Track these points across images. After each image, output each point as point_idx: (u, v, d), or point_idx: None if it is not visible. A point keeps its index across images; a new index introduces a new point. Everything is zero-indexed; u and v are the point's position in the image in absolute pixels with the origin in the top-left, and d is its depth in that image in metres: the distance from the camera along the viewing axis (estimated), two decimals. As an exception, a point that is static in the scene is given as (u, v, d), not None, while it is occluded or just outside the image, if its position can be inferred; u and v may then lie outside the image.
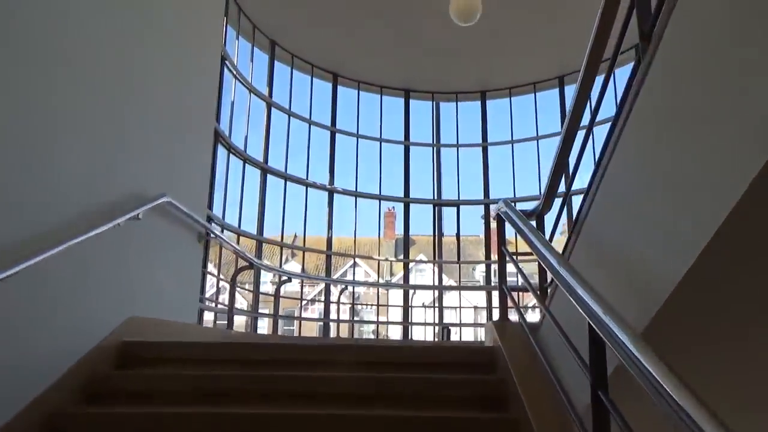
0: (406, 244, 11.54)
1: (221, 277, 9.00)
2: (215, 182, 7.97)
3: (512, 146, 11.54)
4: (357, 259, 42.71)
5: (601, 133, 9.21)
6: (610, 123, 2.49)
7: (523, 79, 11.53)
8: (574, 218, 3.06)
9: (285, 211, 10.17)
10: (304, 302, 40.75)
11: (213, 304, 9.28)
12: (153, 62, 4.57)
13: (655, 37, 1.96)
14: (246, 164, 9.25)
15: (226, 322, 7.28)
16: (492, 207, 11.32)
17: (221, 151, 8.47)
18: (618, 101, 2.48)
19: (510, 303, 3.86)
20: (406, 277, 11.47)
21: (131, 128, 4.14)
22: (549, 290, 3.45)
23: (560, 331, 2.40)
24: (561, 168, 3.93)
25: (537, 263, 2.98)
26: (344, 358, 3.52)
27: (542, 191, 4.08)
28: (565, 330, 2.38)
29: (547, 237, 3.51)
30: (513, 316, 3.88)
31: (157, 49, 4.65)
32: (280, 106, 10.32)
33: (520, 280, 3.87)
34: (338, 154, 11.17)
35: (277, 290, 8.72)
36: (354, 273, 32.14)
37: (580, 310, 1.84)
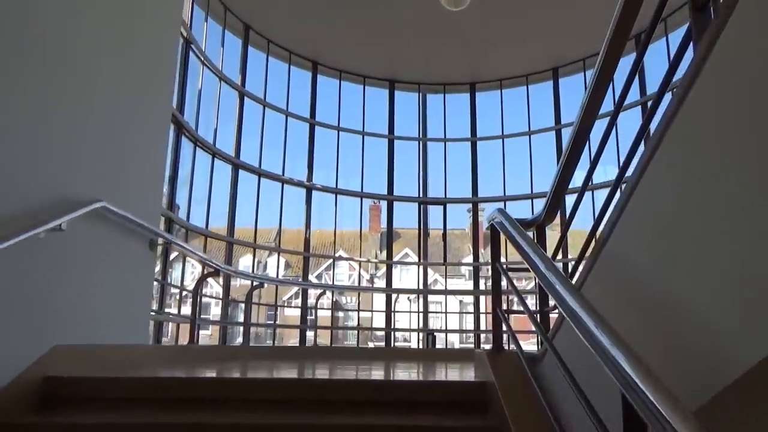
0: (389, 243, 10.86)
1: (183, 287, 8.21)
2: (178, 179, 7.21)
3: (503, 141, 10.90)
4: (341, 252, 41.92)
5: (624, 126, 8.49)
6: (638, 118, 1.80)
7: (515, 71, 10.87)
8: (589, 231, 2.48)
9: (259, 209, 9.42)
10: (286, 298, 39.90)
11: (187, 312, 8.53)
12: (89, 33, 3.80)
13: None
14: (215, 159, 8.48)
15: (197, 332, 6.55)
16: (484, 215, 10.70)
17: (186, 145, 7.70)
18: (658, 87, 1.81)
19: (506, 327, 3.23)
20: (389, 280, 10.80)
21: (57, 115, 3.37)
22: (555, 320, 2.83)
23: (570, 378, 1.79)
24: (569, 172, 3.21)
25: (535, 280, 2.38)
26: (319, 395, 2.84)
27: (547, 200, 3.39)
28: (575, 375, 1.77)
29: (550, 254, 2.91)
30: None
31: (94, 17, 3.88)
32: (254, 96, 9.54)
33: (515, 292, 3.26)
34: (318, 149, 10.44)
35: (249, 296, 7.99)
36: (333, 270, 31.46)
37: (606, 369, 1.31)
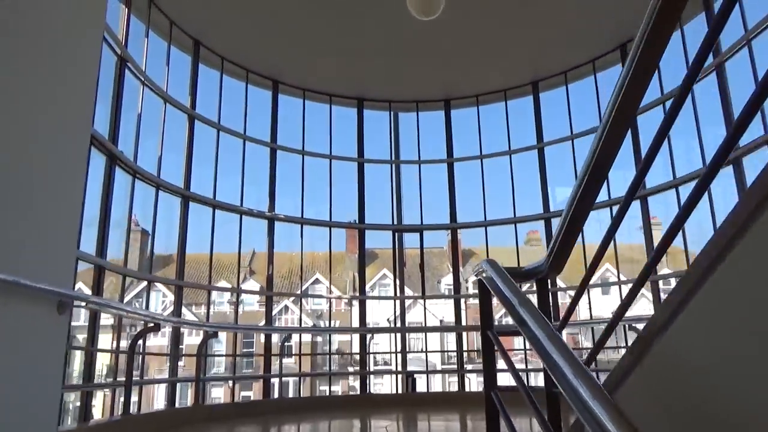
0: (362, 274, 9.91)
1: (117, 349, 7.09)
2: (110, 219, 6.19)
3: (481, 162, 10.10)
4: (318, 275, 40.63)
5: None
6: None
7: (492, 85, 10.12)
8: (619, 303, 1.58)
9: (213, 244, 8.42)
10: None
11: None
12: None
13: None
14: (160, 191, 7.47)
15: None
16: (467, 270, 9.81)
17: (122, 178, 6.70)
18: None
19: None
20: (362, 319, 9.81)
21: None
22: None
23: None
24: (585, 206, 2.30)
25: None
26: None
27: (552, 245, 2.52)
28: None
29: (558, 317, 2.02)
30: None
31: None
32: (207, 120, 8.58)
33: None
34: (280, 175, 9.50)
35: (200, 349, 6.97)
36: (298, 307, 30.43)
37: None
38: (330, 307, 11.27)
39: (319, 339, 39.32)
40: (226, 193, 8.64)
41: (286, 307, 35.96)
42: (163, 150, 7.61)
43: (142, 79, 7.20)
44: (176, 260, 7.82)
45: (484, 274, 2.48)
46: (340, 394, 9.39)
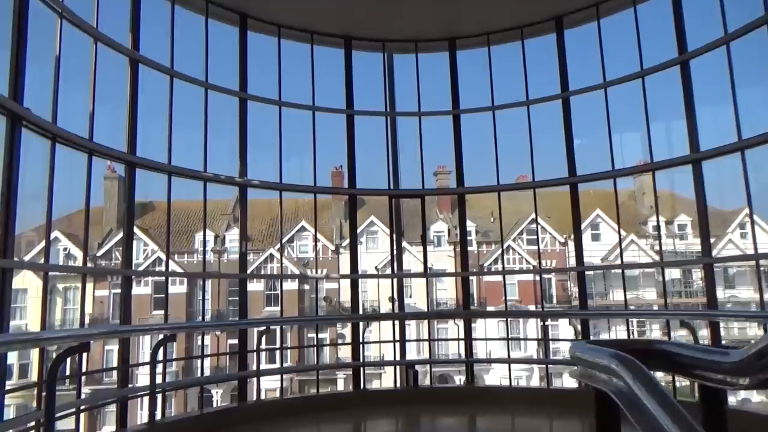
0: (353, 257, 8.41)
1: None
2: (17, 195, 4.63)
3: (493, 114, 8.49)
4: (304, 223, 39.19)
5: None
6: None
7: (505, 22, 8.41)
8: None
9: (171, 212, 6.88)
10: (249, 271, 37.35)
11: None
12: None
13: None
14: (93, 157, 5.83)
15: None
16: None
17: (38, 145, 5.07)
18: None
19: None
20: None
21: None
22: None
23: None
24: None
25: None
26: None
27: None
28: None
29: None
30: None
31: None
32: (156, 64, 6.82)
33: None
34: (253, 131, 7.85)
35: (153, 355, 5.54)
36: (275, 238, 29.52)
37: None
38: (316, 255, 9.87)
39: (306, 287, 38.33)
40: (185, 156, 7.02)
41: (271, 256, 34.66)
42: (96, 106, 5.91)
43: (59, 11, 5.42)
44: (124, 244, 6.29)
45: (611, 381, 1.17)
46: (330, 392, 8.05)
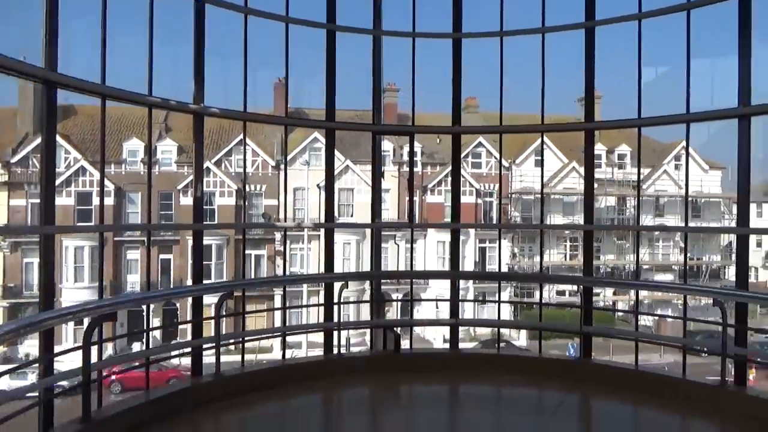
0: (329, 203, 7.09)
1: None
2: None
3: (501, 41, 7.16)
4: (246, 138, 36.81)
5: None
6: None
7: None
8: None
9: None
10: (181, 187, 35.14)
11: None
12: None
13: None
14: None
15: None
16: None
17: None
18: None
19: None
20: (329, 297, 7.08)
21: None
22: None
23: None
24: None
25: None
26: None
27: None
28: None
29: None
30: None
31: None
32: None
33: None
34: (212, 47, 6.19)
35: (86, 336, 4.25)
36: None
37: None
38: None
39: (241, 202, 36.52)
40: (124, 76, 5.36)
41: (208, 170, 32.41)
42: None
43: None
44: (41, 203, 4.74)
45: None
46: (299, 360, 6.97)
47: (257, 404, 5.51)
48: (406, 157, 36.00)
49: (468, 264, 37.01)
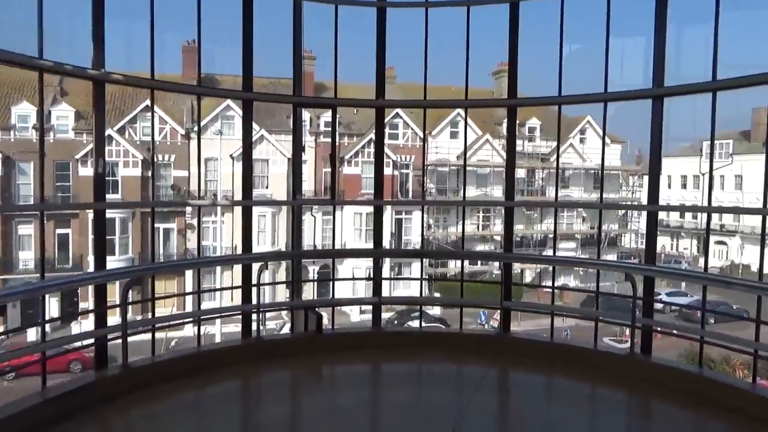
0: (247, 177, 6.69)
1: None
2: None
3: (426, 12, 6.96)
4: (150, 102, 34.40)
5: None
6: None
7: None
8: None
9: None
10: (80, 156, 32.91)
11: None
12: None
13: None
14: None
15: None
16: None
17: None
18: None
19: None
20: (247, 278, 6.70)
21: None
22: None
23: None
24: None
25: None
26: None
27: None
28: None
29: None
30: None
31: None
32: None
33: None
34: (113, 8, 5.55)
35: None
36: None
37: None
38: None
39: (149, 173, 34.51)
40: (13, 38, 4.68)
41: (110, 138, 30.22)
42: None
43: None
44: None
45: None
46: (213, 346, 6.56)
47: (170, 395, 5.15)
48: (323, 128, 35.45)
49: (384, 235, 37.40)
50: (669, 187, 53.10)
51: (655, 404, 5.31)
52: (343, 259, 33.97)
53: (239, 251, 34.25)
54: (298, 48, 6.80)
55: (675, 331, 6.42)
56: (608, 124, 7.24)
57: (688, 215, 52.05)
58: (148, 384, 5.16)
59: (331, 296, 7.22)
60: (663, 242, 52.00)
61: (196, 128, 33.55)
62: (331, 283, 6.98)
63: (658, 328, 6.50)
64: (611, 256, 40.42)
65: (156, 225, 33.18)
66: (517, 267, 38.53)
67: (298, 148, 7.14)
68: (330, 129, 37.06)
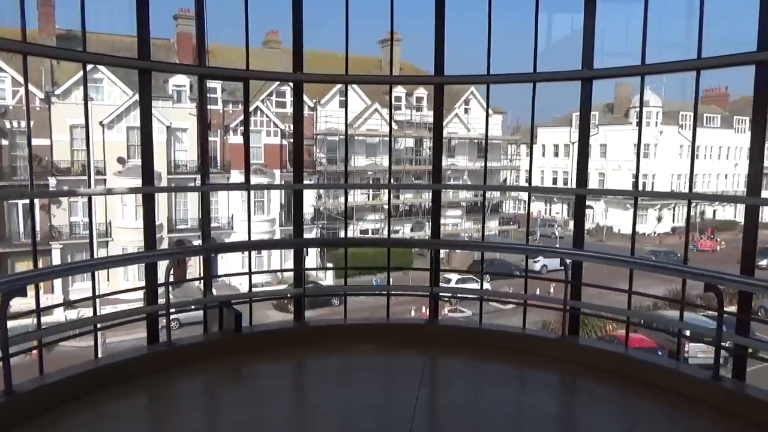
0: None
1: None
2: None
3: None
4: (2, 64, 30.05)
5: None
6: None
7: None
8: None
9: None
10: None
11: None
12: None
13: None
14: None
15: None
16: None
17: None
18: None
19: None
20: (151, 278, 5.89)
21: None
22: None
23: None
24: None
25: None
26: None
27: None
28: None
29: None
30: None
31: None
32: None
33: None
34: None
35: None
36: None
37: None
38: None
39: (5, 142, 30.47)
40: None
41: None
42: None
43: None
44: None
45: None
46: (119, 358, 5.64)
47: (64, 423, 4.32)
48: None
49: (274, 207, 36.23)
50: (543, 155, 56.54)
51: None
52: (231, 232, 32.47)
53: (115, 235, 31.41)
54: (201, 12, 5.92)
55: (603, 313, 6.57)
56: (491, 94, 7.25)
57: (560, 182, 55.97)
58: (39, 411, 4.29)
59: (248, 289, 6.57)
60: (538, 207, 55.63)
61: (56, 91, 30.04)
62: (248, 279, 6.27)
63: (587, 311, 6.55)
64: (494, 223, 42.40)
65: (13, 201, 29.65)
66: (406, 234, 39.20)
67: (204, 120, 6.29)
68: (217, 96, 34.46)
